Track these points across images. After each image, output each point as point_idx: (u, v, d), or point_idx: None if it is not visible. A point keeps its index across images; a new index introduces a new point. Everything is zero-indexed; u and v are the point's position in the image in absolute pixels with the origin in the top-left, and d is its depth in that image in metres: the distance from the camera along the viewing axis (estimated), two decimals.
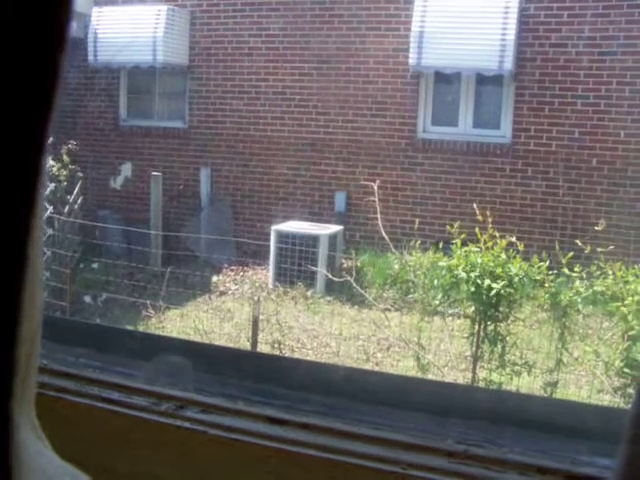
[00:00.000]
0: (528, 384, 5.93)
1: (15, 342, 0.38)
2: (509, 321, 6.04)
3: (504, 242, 5.87)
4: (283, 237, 8.68)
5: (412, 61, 8.90)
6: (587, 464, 0.77)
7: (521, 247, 5.90)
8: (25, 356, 0.40)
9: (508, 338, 5.95)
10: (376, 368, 6.95)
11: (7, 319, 0.37)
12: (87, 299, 8.28)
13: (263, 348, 6.87)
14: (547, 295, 5.84)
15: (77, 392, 0.93)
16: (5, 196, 0.36)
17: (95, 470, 0.79)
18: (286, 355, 6.96)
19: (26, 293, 0.38)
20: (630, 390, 5.37)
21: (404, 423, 0.93)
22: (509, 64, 8.54)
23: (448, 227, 6.50)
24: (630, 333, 5.31)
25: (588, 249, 5.83)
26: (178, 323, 7.71)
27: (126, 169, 10.56)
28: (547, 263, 5.76)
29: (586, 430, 0.88)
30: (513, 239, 5.86)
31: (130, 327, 7.49)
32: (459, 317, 7.07)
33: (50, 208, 7.87)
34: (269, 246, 8.79)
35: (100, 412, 0.90)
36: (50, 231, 7.85)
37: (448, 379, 6.55)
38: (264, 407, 0.88)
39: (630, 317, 5.33)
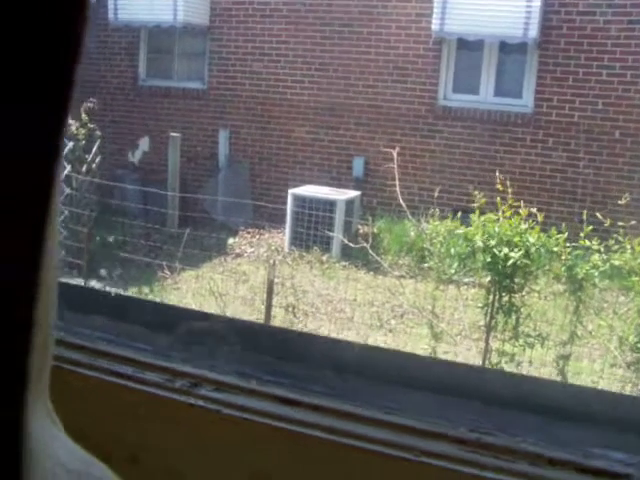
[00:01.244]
0: (541, 356, 5.94)
1: (31, 327, 0.38)
2: (524, 292, 6.03)
3: (524, 212, 5.83)
4: (300, 201, 8.67)
5: (435, 27, 8.78)
6: (599, 457, 0.76)
7: (540, 218, 5.86)
8: (41, 341, 0.40)
9: (522, 309, 5.93)
10: (389, 335, 6.97)
11: (24, 301, 0.37)
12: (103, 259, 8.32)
13: (277, 312, 6.90)
14: (564, 268, 5.81)
15: (89, 365, 0.93)
16: (21, 191, 0.36)
17: (104, 444, 0.80)
18: (300, 320, 6.99)
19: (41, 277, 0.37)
20: None
21: (414, 405, 0.93)
22: (534, 32, 8.41)
23: (468, 194, 6.47)
24: None
25: (608, 222, 5.78)
26: (193, 284, 7.76)
27: (145, 130, 10.55)
28: (565, 235, 5.72)
29: (601, 420, 0.87)
30: (533, 210, 5.82)
31: (147, 294, 7.53)
32: (474, 286, 7.06)
33: (68, 167, 7.89)
34: (286, 210, 8.79)
35: (112, 386, 0.90)
36: (68, 190, 7.88)
37: (461, 348, 6.57)
38: (276, 387, 0.88)
39: None
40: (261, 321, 6.60)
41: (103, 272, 7.96)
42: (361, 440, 0.79)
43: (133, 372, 0.90)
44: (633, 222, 5.69)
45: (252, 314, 7.16)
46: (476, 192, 6.13)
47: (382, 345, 6.73)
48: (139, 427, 0.89)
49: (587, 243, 5.60)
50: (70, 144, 7.89)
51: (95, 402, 0.90)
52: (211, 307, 7.01)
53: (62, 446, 0.51)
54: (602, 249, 5.61)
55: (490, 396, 0.92)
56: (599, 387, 5.78)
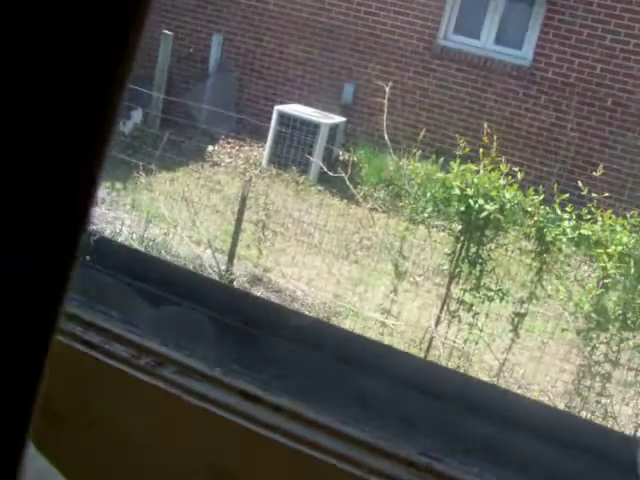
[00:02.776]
0: (498, 310, 6.06)
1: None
2: (492, 246, 6.10)
3: (505, 168, 5.85)
4: (284, 119, 8.58)
5: None
6: None
7: (520, 176, 5.88)
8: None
9: (488, 262, 6.01)
10: (354, 266, 7.04)
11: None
12: None
13: (247, 227, 6.92)
14: (534, 228, 5.87)
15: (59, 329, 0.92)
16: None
17: (65, 408, 0.81)
18: (268, 239, 7.02)
19: None
20: (592, 334, 5.51)
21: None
22: None
23: (452, 140, 6.45)
24: (605, 280, 5.38)
25: (585, 191, 5.82)
26: (167, 187, 7.71)
27: None
28: (542, 197, 5.76)
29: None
30: (515, 169, 5.84)
31: (120, 190, 7.48)
32: (444, 230, 7.11)
33: None
34: (269, 125, 8.70)
35: (79, 354, 0.91)
36: None
37: (421, 290, 6.67)
38: (239, 379, 0.89)
39: (609, 265, 5.39)
40: (230, 232, 6.62)
41: None
42: (317, 450, 0.81)
43: (100, 342, 0.91)
44: (606, 194, 5.72)
45: (222, 225, 7.17)
46: (460, 140, 6.11)
47: (345, 275, 6.81)
48: (100, 397, 0.90)
49: (559, 211, 5.66)
50: None
51: (60, 367, 0.90)
52: (182, 213, 7.00)
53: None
54: (574, 216, 5.67)
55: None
56: (546, 349, 5.95)
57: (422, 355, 5.70)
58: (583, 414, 5.12)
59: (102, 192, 7.21)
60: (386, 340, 5.95)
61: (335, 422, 0.84)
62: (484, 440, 0.90)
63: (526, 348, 6.05)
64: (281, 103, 8.96)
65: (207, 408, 0.84)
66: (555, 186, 5.84)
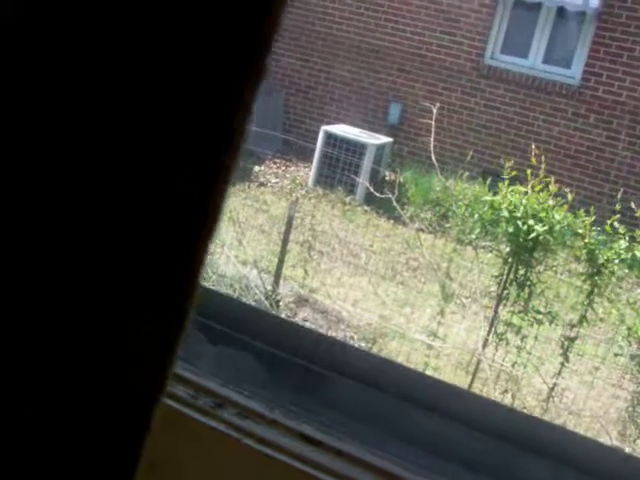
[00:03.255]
0: (547, 333, 5.95)
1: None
2: (541, 268, 6.01)
3: (554, 188, 5.77)
4: (331, 139, 8.60)
5: None
6: None
7: (571, 197, 5.79)
8: None
9: (537, 285, 5.92)
10: (400, 287, 7.00)
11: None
12: None
13: (293, 247, 6.93)
14: (585, 250, 5.77)
15: None
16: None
17: None
18: (314, 259, 7.02)
19: None
20: None
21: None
22: (596, 1, 8.14)
23: (500, 160, 6.38)
24: None
25: (638, 213, 5.70)
26: None
27: None
28: (592, 218, 5.66)
29: None
30: (565, 189, 5.76)
31: None
32: (491, 251, 7.04)
33: None
34: (315, 145, 8.73)
35: None
36: None
37: (468, 312, 6.59)
38: (300, 422, 0.87)
39: None
40: (276, 252, 6.64)
41: None
42: None
43: None
44: None
45: (268, 245, 7.19)
46: (508, 162, 6.04)
47: (391, 296, 6.77)
48: (157, 438, 0.89)
49: (610, 230, 5.55)
50: None
51: None
52: (228, 233, 7.04)
53: None
54: (627, 237, 5.56)
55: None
56: (597, 374, 5.82)
57: (469, 378, 5.63)
58: (638, 442, 4.99)
59: None
60: (432, 363, 5.89)
61: (398, 468, 0.82)
62: None
63: (576, 373, 5.93)
64: (327, 123, 8.99)
65: (267, 452, 0.83)
66: (618, 202, 5.70)
